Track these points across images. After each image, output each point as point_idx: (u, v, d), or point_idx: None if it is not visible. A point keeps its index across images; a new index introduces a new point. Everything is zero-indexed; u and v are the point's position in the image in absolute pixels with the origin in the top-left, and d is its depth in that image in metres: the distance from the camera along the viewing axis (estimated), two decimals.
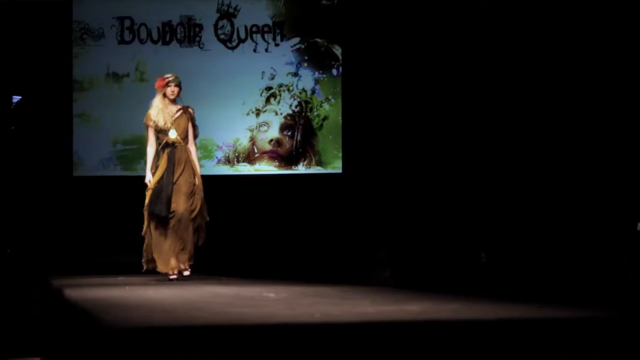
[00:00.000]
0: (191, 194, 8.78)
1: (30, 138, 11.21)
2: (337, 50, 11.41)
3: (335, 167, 11.44)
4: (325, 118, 11.44)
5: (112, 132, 11.42)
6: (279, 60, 11.46)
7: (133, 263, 9.55)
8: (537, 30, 10.16)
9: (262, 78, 11.35)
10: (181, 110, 8.97)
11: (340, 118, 11.38)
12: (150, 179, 8.85)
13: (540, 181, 9.99)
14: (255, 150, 11.45)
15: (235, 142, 11.42)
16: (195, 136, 9.06)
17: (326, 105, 11.45)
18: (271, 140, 11.47)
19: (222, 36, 11.47)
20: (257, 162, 11.49)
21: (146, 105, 10.89)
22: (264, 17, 11.44)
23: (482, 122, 10.69)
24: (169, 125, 8.85)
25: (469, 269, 8.83)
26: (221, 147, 11.49)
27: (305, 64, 11.47)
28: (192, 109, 9.06)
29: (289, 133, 11.46)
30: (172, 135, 8.85)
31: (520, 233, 9.58)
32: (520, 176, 10.17)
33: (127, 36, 11.49)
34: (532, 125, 10.21)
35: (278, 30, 11.47)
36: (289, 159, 11.44)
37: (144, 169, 11.25)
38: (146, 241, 8.78)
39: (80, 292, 6.33)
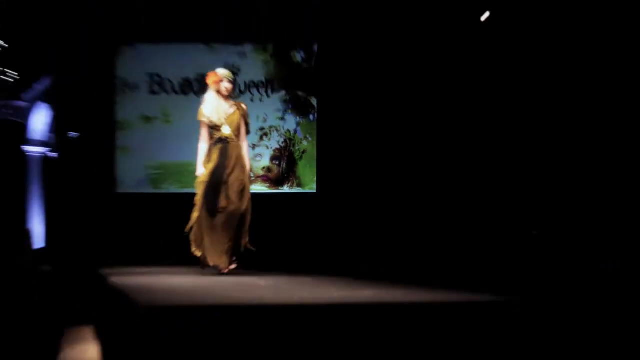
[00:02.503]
0: (241, 192, 7.06)
1: (84, 164, 11.19)
2: (314, 101, 11.42)
3: (312, 187, 11.42)
4: (304, 151, 11.43)
5: (144, 160, 11.37)
6: (270, 107, 11.43)
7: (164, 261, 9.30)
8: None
9: (257, 121, 11.34)
10: (235, 107, 7.19)
11: (315, 151, 11.40)
12: (202, 172, 7.09)
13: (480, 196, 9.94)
14: (252, 175, 11.39)
15: None
16: (247, 133, 7.29)
17: (305, 142, 11.45)
18: (264, 168, 11.43)
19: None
20: (253, 184, 11.40)
21: (169, 141, 10.94)
22: (258, 75, 11.42)
23: (436, 149, 10.67)
24: (223, 121, 7.04)
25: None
26: None
27: (289, 111, 11.43)
28: (246, 106, 7.33)
29: (277, 162, 11.44)
30: (226, 131, 7.05)
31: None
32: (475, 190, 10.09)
33: (156, 88, 11.47)
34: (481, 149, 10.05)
35: (270, 85, 11.46)
36: (277, 182, 11.43)
37: (169, 189, 11.16)
38: (194, 230, 7.11)
39: (121, 279, 6.32)
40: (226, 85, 7.09)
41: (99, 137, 11.23)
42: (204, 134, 7.12)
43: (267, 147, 11.36)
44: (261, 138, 11.30)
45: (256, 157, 11.21)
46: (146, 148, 11.29)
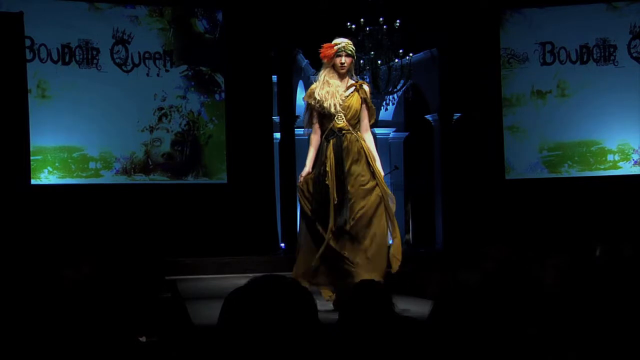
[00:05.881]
0: (365, 197, 5.14)
1: (468, 150, 10.41)
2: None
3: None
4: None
5: (537, 141, 10.44)
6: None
7: None
8: None
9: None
10: (353, 88, 5.28)
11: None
12: (308, 172, 5.30)
13: None
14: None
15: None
16: (370, 120, 5.33)
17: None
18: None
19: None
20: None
21: (567, 118, 10.18)
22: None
23: None
24: (337, 107, 5.19)
25: None
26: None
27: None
28: (368, 86, 5.44)
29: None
30: (340, 120, 5.20)
31: None
32: None
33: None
34: None
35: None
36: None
37: (569, 172, 10.20)
38: (301, 261, 5.33)
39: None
40: (342, 60, 5.23)
41: (482, 116, 10.32)
42: (314, 121, 5.33)
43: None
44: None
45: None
46: (539, 127, 10.34)
